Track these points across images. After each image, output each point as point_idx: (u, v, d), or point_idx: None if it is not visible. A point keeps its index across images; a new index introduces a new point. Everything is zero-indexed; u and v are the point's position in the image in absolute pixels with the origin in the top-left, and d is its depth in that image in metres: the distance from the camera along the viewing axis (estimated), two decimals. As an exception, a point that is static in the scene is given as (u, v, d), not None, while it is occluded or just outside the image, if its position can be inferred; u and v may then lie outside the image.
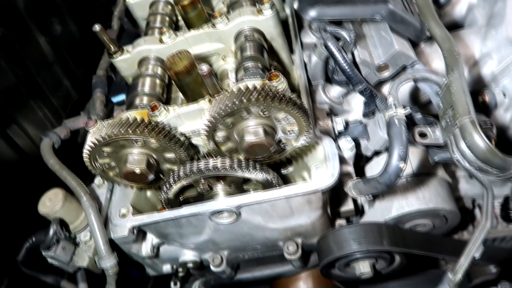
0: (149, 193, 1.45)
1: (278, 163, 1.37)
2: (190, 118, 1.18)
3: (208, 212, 1.23)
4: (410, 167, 1.35)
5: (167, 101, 1.40)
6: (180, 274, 1.65)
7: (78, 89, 1.83)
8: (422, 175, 1.34)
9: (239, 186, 1.28)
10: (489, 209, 1.01)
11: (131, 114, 1.16)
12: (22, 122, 1.57)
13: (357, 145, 1.37)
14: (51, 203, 1.22)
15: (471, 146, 0.98)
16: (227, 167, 1.15)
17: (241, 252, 1.51)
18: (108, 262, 1.21)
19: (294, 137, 1.15)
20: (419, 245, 1.32)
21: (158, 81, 1.37)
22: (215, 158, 1.17)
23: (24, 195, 1.44)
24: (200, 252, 1.50)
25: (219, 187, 1.28)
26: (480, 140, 0.97)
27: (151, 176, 1.19)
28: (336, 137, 1.32)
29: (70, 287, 1.36)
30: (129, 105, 1.31)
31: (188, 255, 1.51)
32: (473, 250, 1.03)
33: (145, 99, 1.29)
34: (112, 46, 1.40)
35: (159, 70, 1.40)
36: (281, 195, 1.19)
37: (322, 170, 1.20)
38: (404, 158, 1.05)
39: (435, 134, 1.13)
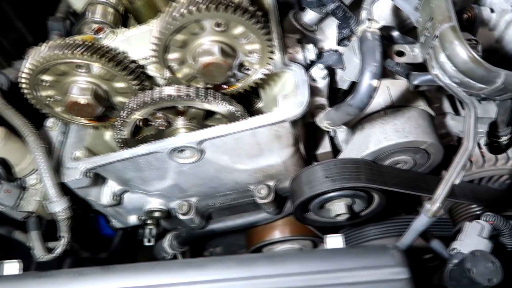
0: (108, 136, 1.34)
1: (246, 97, 1.25)
2: (141, 42, 1.05)
3: (167, 149, 1.12)
4: (389, 99, 1.23)
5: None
6: (150, 227, 1.57)
7: (34, 32, 1.68)
8: (402, 107, 1.23)
9: (201, 121, 1.17)
10: (471, 128, 0.91)
11: (74, 38, 1.04)
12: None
13: (332, 76, 1.25)
14: (-10, 141, 1.10)
15: (451, 55, 0.87)
16: (183, 96, 1.03)
17: (211, 199, 1.41)
18: (58, 206, 1.11)
19: (256, 59, 1.03)
20: (398, 182, 1.23)
21: (110, 9, 1.24)
22: (170, 86, 1.05)
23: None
24: (167, 200, 1.40)
25: (180, 123, 1.17)
26: (461, 48, 0.85)
27: (100, 109, 1.07)
28: (308, 66, 1.19)
29: (22, 237, 1.25)
30: (77, 33, 1.17)
31: (154, 203, 1.41)
32: (453, 175, 0.93)
33: (95, 27, 1.16)
34: (57, -28, 1.25)
35: (113, -1, 1.26)
36: (246, 127, 1.07)
37: (290, 99, 1.09)
38: (377, 75, 0.93)
39: (414, 52, 1.02)
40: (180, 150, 1.14)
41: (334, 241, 0.98)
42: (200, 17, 0.90)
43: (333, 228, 1.53)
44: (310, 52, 1.18)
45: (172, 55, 1.00)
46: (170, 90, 1.03)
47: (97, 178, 1.31)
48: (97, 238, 1.76)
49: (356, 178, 1.18)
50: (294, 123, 1.11)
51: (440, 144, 1.22)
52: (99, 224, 1.71)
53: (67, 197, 1.14)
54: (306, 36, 1.27)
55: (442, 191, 0.94)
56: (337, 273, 0.76)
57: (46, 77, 1.03)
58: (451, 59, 0.87)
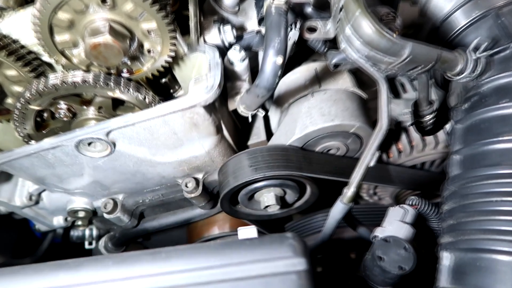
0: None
1: (164, 85, 1.17)
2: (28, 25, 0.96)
3: (73, 142, 1.03)
4: (317, 81, 1.17)
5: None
6: (80, 228, 1.48)
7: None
8: (330, 90, 1.16)
9: (111, 111, 1.08)
10: (383, 106, 0.84)
11: (-45, 23, 0.94)
12: None
13: (255, 58, 1.18)
14: None
15: (355, 27, 0.80)
16: (79, 82, 0.95)
17: (139, 195, 1.32)
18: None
19: (157, 40, 0.95)
20: (328, 169, 1.16)
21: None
22: (66, 72, 0.96)
23: None
24: (91, 198, 1.31)
25: (88, 113, 1.08)
26: (363, 19, 0.79)
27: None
28: (227, 49, 1.12)
29: None
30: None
31: (78, 203, 1.31)
32: (368, 158, 0.86)
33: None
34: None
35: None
36: (154, 115, 0.99)
37: (201, 83, 1.01)
38: (281, 52, 0.86)
39: (326, 27, 0.95)
40: (89, 142, 1.05)
41: (247, 232, 0.91)
42: (78, -8, 0.82)
43: (276, 221, 1.46)
44: (228, 33, 1.10)
45: (61, 37, 0.91)
46: (64, 77, 0.95)
47: (8, 177, 1.22)
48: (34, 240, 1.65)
49: (282, 166, 1.10)
50: (210, 109, 1.04)
51: (371, 127, 1.16)
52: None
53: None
54: (226, 18, 1.19)
55: (356, 175, 0.87)
56: (226, 267, 0.68)
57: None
58: (355, 31, 0.80)
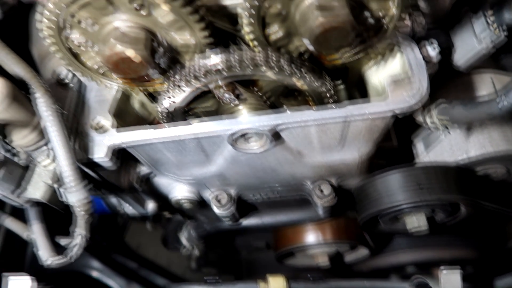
0: (138, 103, 1.01)
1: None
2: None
3: (239, 132, 0.83)
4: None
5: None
6: (167, 216, 1.30)
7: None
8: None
9: (276, 98, 0.90)
10: None
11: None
12: None
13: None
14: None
15: None
16: (263, 62, 0.75)
17: (253, 191, 1.15)
18: (77, 196, 0.81)
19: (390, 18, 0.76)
20: (494, 197, 1.04)
21: None
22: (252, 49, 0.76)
23: None
24: (200, 187, 1.12)
25: (250, 99, 0.88)
26: None
27: (150, 69, 0.76)
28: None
29: (16, 227, 0.94)
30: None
31: (182, 191, 1.12)
32: None
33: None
34: None
35: None
36: (341, 115, 0.82)
37: (403, 85, 0.84)
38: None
39: None
40: (244, 134, 0.86)
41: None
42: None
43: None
44: (420, 22, 0.92)
45: (273, 8, 0.70)
46: (254, 55, 0.75)
47: (120, 157, 1.01)
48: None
49: (446, 189, 0.97)
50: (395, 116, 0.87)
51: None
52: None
53: (85, 182, 0.84)
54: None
55: None
56: None
57: (81, 13, 0.70)
58: None
